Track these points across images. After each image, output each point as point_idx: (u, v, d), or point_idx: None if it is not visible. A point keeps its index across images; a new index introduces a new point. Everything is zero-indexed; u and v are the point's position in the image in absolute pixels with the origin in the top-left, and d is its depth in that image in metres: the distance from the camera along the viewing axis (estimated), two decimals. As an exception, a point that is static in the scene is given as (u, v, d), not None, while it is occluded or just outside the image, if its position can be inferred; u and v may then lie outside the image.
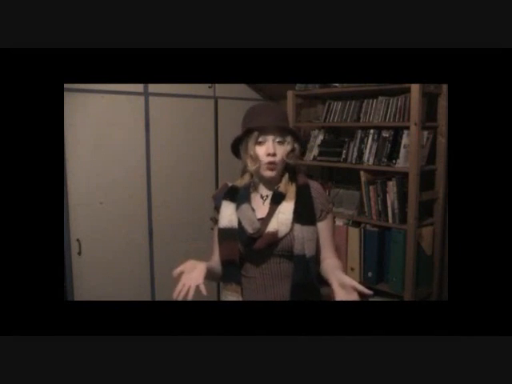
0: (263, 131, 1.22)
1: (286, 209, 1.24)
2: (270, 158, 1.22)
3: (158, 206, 2.51)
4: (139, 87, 2.38)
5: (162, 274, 2.56)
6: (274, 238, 1.22)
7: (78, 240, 2.22)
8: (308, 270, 1.24)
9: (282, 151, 1.23)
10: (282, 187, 1.28)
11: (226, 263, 1.28)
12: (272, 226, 1.23)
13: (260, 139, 1.22)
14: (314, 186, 1.32)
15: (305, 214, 1.25)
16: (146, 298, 2.52)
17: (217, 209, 1.34)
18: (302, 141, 1.30)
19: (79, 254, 2.23)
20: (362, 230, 2.18)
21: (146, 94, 2.41)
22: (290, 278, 1.25)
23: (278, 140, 1.23)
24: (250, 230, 1.23)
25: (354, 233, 2.20)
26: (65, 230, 2.13)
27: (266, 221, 1.25)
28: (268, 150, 1.21)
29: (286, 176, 1.30)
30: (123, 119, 2.34)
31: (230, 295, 1.28)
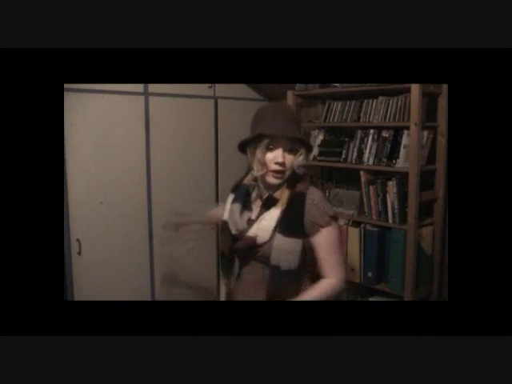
0: (275, 138, 1.16)
1: (271, 216, 1.20)
2: (278, 167, 1.17)
3: (158, 206, 2.51)
4: (139, 87, 2.37)
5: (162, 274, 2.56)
6: (252, 243, 1.20)
7: (78, 240, 2.21)
8: (283, 282, 1.18)
9: (291, 160, 1.19)
10: (277, 192, 1.23)
11: (221, 254, 1.35)
12: (252, 231, 1.21)
13: (270, 146, 1.17)
14: (311, 196, 1.20)
15: (290, 224, 1.18)
16: (146, 298, 2.52)
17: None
18: (311, 148, 1.27)
19: (79, 253, 2.23)
20: (362, 229, 2.18)
21: (146, 94, 2.41)
22: (263, 285, 1.20)
23: (288, 149, 1.18)
24: (233, 230, 1.25)
25: (354, 233, 2.20)
26: (65, 230, 2.13)
27: (251, 223, 1.24)
28: (277, 158, 1.17)
29: (287, 183, 1.23)
30: (123, 119, 2.33)
31: (223, 287, 1.36)
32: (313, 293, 1.20)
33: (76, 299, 2.21)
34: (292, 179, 1.23)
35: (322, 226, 1.19)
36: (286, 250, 1.17)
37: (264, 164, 1.19)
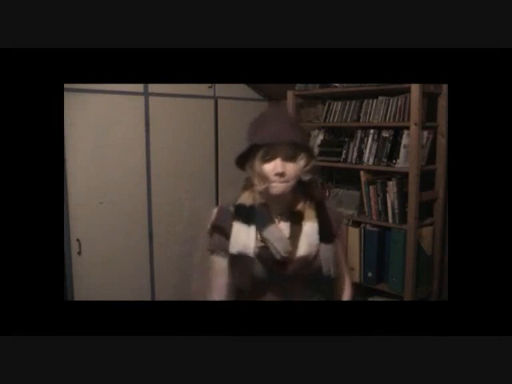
0: (270, 147, 1.07)
1: (311, 229, 1.15)
2: (278, 178, 1.08)
3: (158, 206, 2.51)
4: (139, 87, 2.38)
5: (162, 274, 2.56)
6: (305, 262, 1.14)
7: (78, 240, 2.21)
8: (332, 289, 1.25)
9: (292, 168, 1.09)
10: (299, 206, 1.17)
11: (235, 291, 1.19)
12: (303, 249, 1.14)
13: (267, 157, 1.08)
14: (329, 203, 1.26)
15: (328, 232, 1.18)
16: (146, 298, 2.52)
17: (224, 234, 1.17)
18: (313, 152, 1.19)
19: (79, 253, 2.23)
20: (362, 229, 2.18)
21: (146, 94, 2.41)
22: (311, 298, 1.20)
23: (288, 156, 1.08)
24: (282, 252, 1.11)
25: (354, 233, 2.20)
26: (65, 230, 2.13)
27: (292, 243, 1.14)
28: (276, 168, 1.07)
29: (301, 193, 1.18)
30: (123, 119, 2.33)
31: None
32: (347, 295, 1.30)
33: (76, 299, 2.21)
34: (305, 189, 1.20)
35: (341, 228, 1.28)
36: (331, 258, 1.17)
37: (265, 177, 1.09)
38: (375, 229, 2.15)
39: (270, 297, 1.17)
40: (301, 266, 1.14)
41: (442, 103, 2.06)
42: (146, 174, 2.46)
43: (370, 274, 2.17)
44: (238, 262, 1.14)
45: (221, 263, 1.18)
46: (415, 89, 1.89)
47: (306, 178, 1.17)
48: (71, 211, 2.18)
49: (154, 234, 2.52)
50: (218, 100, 2.72)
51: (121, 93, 2.30)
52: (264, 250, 1.13)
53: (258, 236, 1.14)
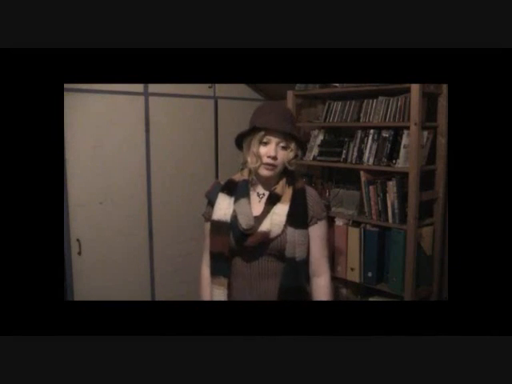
0: (269, 132, 1.23)
1: (281, 210, 1.27)
2: (270, 161, 1.24)
3: (158, 206, 2.51)
4: (139, 87, 2.38)
5: (162, 274, 2.56)
6: (266, 238, 1.25)
7: (78, 240, 2.21)
8: (298, 272, 1.27)
9: (283, 156, 1.26)
10: (278, 188, 1.30)
11: (215, 256, 1.31)
12: (265, 226, 1.25)
13: (264, 140, 1.24)
14: (311, 193, 1.34)
15: (298, 217, 1.28)
16: (146, 298, 2.52)
17: (211, 204, 1.35)
18: (305, 146, 1.30)
19: (79, 253, 2.23)
20: (362, 229, 2.18)
21: (146, 94, 2.41)
22: (276, 278, 1.27)
23: (281, 144, 1.25)
24: (244, 225, 1.25)
25: (354, 233, 2.20)
26: (65, 230, 2.13)
27: (259, 219, 1.27)
28: (270, 152, 1.23)
29: (284, 178, 1.32)
30: (123, 119, 2.33)
31: (217, 289, 1.30)
32: (323, 295, 1.33)
33: (76, 299, 2.21)
34: (289, 176, 1.32)
35: (319, 219, 1.33)
36: (298, 242, 1.26)
37: (258, 156, 1.25)
38: (375, 229, 2.15)
39: (239, 266, 1.30)
40: (261, 240, 1.25)
41: (442, 103, 2.06)
42: (145, 174, 2.46)
43: (370, 274, 2.16)
44: (216, 227, 1.30)
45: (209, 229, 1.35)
46: (415, 89, 1.89)
47: (291, 167, 1.29)
48: (71, 211, 2.18)
49: (154, 234, 2.52)
50: (218, 100, 2.72)
51: (121, 93, 2.30)
52: (235, 219, 1.27)
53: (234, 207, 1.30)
